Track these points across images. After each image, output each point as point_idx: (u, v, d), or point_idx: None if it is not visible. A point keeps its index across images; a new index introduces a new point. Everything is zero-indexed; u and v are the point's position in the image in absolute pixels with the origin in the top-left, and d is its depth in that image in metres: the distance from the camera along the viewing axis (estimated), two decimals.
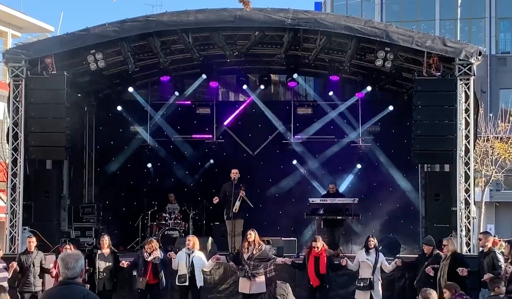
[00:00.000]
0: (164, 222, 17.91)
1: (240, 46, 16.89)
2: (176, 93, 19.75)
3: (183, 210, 18.51)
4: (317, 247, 12.64)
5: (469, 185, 15.16)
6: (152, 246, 13.06)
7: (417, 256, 13.72)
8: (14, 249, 15.19)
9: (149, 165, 20.05)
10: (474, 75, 15.29)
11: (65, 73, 15.61)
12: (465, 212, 15.06)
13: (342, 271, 13.34)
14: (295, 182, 19.84)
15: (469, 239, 14.85)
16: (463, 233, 14.93)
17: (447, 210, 15.77)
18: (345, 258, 13.23)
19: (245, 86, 19.94)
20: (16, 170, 15.54)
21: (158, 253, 13.03)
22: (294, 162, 19.97)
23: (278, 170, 19.98)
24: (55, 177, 16.99)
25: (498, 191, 33.93)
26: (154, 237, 15.60)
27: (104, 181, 20.14)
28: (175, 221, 17.86)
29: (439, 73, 15.51)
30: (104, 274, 13.01)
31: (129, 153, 20.11)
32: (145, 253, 13.04)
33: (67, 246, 13.05)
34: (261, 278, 12.63)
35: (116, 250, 13.72)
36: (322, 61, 18.17)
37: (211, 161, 20.08)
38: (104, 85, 19.34)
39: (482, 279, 11.57)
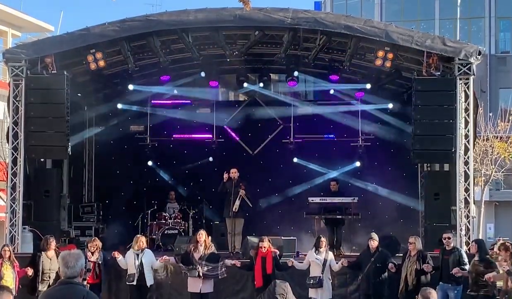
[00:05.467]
0: (164, 221, 17.93)
1: (240, 46, 16.90)
2: (175, 92, 19.80)
3: (183, 209, 18.53)
4: (264, 247, 12.87)
5: (468, 184, 15.17)
6: (95, 245, 13.08)
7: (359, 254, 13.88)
8: (14, 248, 15.17)
9: (149, 163, 20.06)
10: (473, 74, 15.29)
11: (65, 73, 15.60)
12: (464, 211, 15.06)
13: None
14: (295, 181, 19.84)
15: (469, 238, 14.85)
16: (463, 232, 14.94)
17: (446, 209, 15.78)
18: (291, 259, 13.45)
19: (245, 85, 19.95)
20: (16, 169, 15.54)
21: (100, 253, 13.08)
22: (294, 160, 19.99)
23: (277, 169, 19.98)
24: (55, 176, 16.98)
25: (497, 190, 33.97)
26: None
27: (104, 180, 20.15)
28: (175, 220, 17.89)
29: (439, 73, 15.52)
30: (50, 275, 12.80)
31: (129, 153, 20.12)
32: (88, 253, 13.02)
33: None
34: (211, 279, 12.81)
35: (60, 250, 13.43)
36: (322, 61, 18.17)
37: (211, 160, 20.08)
38: (104, 85, 19.31)
39: (450, 272, 12.26)
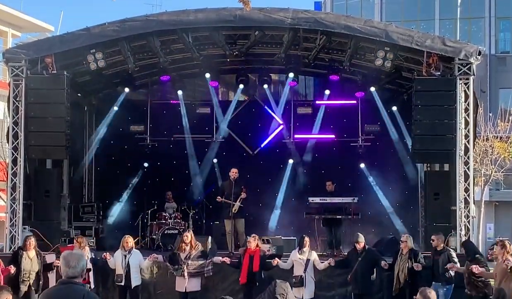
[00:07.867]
0: (164, 221, 17.93)
1: (240, 46, 16.90)
2: (180, 92, 19.82)
3: (183, 209, 18.53)
4: (250, 245, 12.96)
5: (468, 184, 15.17)
6: (82, 243, 13.00)
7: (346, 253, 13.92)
8: (14, 248, 15.19)
9: (149, 163, 20.06)
10: (473, 74, 15.30)
11: (65, 73, 15.62)
12: (464, 211, 15.06)
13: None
14: (295, 181, 19.85)
15: (469, 238, 14.84)
16: (463, 232, 14.93)
17: (446, 209, 15.77)
18: (276, 259, 13.37)
19: (244, 86, 19.96)
20: (16, 169, 15.55)
21: (88, 251, 12.97)
22: (294, 161, 19.98)
23: (277, 169, 19.99)
24: (55, 176, 16.98)
25: (497, 190, 33.95)
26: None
27: (104, 180, 20.16)
28: (175, 220, 17.88)
29: (439, 73, 15.52)
30: (30, 275, 12.53)
31: (128, 153, 20.13)
32: None
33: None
34: (198, 277, 12.85)
35: (40, 251, 13.12)
36: (322, 61, 18.19)
37: (211, 161, 20.09)
38: (104, 85, 19.35)
39: (445, 266, 12.40)
